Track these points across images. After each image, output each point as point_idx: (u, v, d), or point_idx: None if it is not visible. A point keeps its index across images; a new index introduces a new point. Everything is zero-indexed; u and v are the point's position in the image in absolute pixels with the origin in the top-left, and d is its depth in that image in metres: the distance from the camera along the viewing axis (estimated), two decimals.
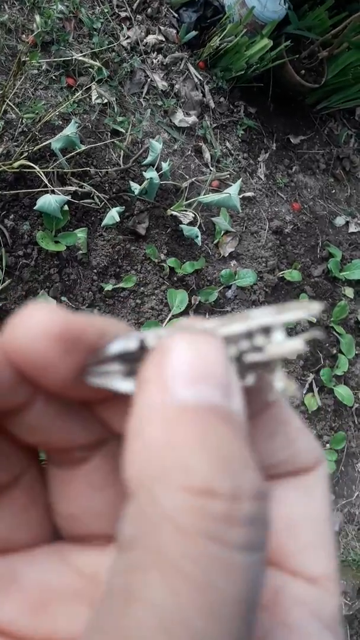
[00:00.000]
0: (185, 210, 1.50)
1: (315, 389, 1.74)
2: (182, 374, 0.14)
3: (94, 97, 1.42)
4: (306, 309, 0.17)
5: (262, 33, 1.65)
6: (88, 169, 1.38)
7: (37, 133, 1.31)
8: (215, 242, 1.63)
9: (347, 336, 1.82)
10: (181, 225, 1.48)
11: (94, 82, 1.42)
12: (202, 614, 0.11)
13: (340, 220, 1.91)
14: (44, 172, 1.27)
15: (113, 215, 1.36)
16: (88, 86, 1.44)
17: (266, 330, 0.16)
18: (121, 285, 1.42)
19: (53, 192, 1.27)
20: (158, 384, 0.14)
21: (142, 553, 0.12)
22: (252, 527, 0.13)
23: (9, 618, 0.17)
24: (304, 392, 1.73)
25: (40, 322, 0.15)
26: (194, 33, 1.63)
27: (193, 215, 1.48)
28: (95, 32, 1.45)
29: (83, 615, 0.17)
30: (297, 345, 0.16)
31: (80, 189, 1.34)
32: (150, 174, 1.40)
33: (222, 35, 1.65)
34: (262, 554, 0.13)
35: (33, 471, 0.19)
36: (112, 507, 0.19)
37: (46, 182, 1.26)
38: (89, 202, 1.34)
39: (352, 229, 1.92)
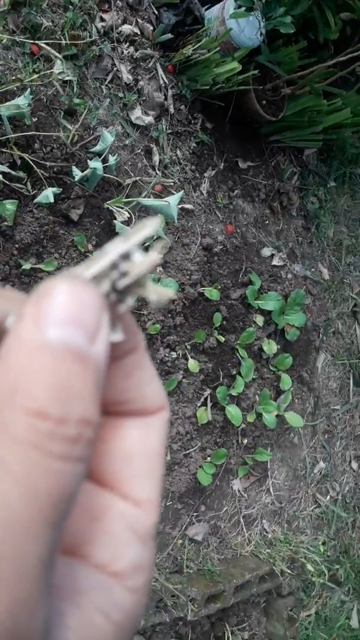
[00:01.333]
0: (122, 208, 1.50)
1: (209, 404, 1.81)
2: (54, 315, 0.17)
3: (55, 71, 1.39)
4: (149, 227, 0.20)
5: (233, 56, 1.69)
6: (33, 142, 1.34)
7: None
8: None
9: (248, 360, 1.90)
10: (115, 222, 1.48)
11: (59, 57, 1.38)
12: (21, 498, 0.15)
13: (266, 251, 1.99)
14: None
15: (48, 194, 1.33)
16: (52, 62, 1.40)
17: (127, 256, 0.19)
18: (41, 266, 1.39)
19: None
20: (31, 320, 0.17)
21: None
22: (73, 445, 0.16)
23: None
24: (198, 405, 1.79)
25: None
26: (169, 36, 1.64)
27: (129, 215, 1.48)
28: (70, 6, 1.41)
29: None
30: (153, 257, 0.19)
31: (19, 160, 1.30)
32: (95, 164, 1.38)
33: (196, 46, 1.66)
34: (80, 466, 0.16)
35: None
36: None
37: None
38: (24, 176, 1.30)
39: (276, 261, 2.01)
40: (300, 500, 2.07)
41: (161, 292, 0.19)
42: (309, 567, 1.97)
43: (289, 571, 1.89)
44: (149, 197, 1.63)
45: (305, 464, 2.09)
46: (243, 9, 1.52)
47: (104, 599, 0.19)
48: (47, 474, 0.15)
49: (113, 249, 0.19)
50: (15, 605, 0.15)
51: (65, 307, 0.17)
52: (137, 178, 1.60)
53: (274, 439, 2.00)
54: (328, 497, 2.16)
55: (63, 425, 0.16)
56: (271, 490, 1.97)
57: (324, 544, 2.09)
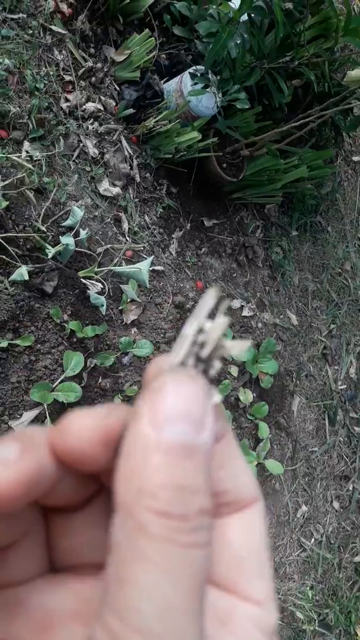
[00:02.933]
0: (93, 277, 1.54)
1: None
2: (167, 413, 0.19)
3: (24, 154, 1.44)
4: (209, 298, 0.22)
5: (193, 125, 1.78)
6: (6, 222, 1.38)
7: None
8: (120, 308, 1.69)
9: (226, 412, 1.94)
10: (89, 292, 1.52)
11: (27, 139, 1.44)
12: (171, 586, 0.17)
13: (236, 303, 2.06)
14: None
15: (22, 272, 1.37)
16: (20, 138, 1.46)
17: (201, 330, 0.22)
18: (17, 342, 1.41)
19: None
20: (147, 419, 0.19)
21: (126, 552, 0.18)
22: (197, 534, 0.18)
23: (16, 637, 0.22)
24: None
25: (86, 428, 0.21)
26: (131, 110, 1.72)
27: (102, 286, 1.53)
28: (37, 93, 1.48)
29: (80, 633, 0.22)
30: (222, 321, 0.22)
31: None
32: (67, 240, 1.43)
33: (157, 118, 1.75)
34: (206, 550, 0.19)
35: (38, 522, 0.24)
36: (103, 540, 0.24)
37: None
38: None
39: (245, 312, 2.08)
40: (286, 546, 2.09)
41: (240, 346, 0.22)
42: (299, 614, 1.98)
43: (279, 622, 1.89)
44: (121, 263, 1.68)
45: (288, 509, 2.12)
46: (200, 86, 1.62)
47: None
48: (184, 561, 0.18)
49: (189, 330, 0.22)
50: None
51: (176, 405, 0.19)
52: (109, 246, 1.65)
53: None
54: (312, 540, 2.18)
55: (185, 521, 0.18)
56: None
57: (311, 588, 2.11)
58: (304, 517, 2.16)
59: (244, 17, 1.71)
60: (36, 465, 0.20)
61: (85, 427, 0.21)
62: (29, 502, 0.21)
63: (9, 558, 0.23)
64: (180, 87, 1.80)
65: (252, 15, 1.71)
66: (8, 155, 1.31)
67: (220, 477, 0.23)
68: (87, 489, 0.24)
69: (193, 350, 0.22)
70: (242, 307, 2.09)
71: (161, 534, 0.18)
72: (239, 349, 0.22)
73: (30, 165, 1.36)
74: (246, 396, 2.03)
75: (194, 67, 1.73)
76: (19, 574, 0.23)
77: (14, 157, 1.29)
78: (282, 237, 2.31)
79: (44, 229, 1.45)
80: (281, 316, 2.25)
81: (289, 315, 2.29)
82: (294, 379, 2.26)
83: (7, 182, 1.32)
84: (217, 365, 0.22)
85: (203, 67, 1.71)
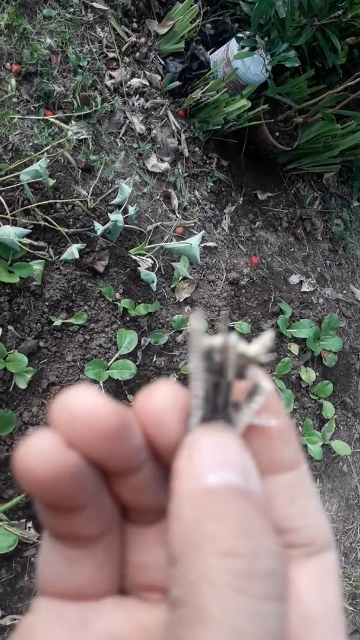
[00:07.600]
0: (144, 254, 1.52)
1: None
2: (207, 464, 0.18)
3: (69, 133, 1.44)
4: (197, 327, 0.20)
5: (242, 93, 1.71)
6: (54, 201, 1.39)
7: (7, 161, 1.31)
8: (173, 286, 1.66)
9: (287, 391, 1.87)
10: (139, 269, 1.51)
11: (72, 118, 1.44)
12: None
13: (294, 279, 1.98)
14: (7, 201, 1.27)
15: (73, 251, 1.37)
16: (66, 116, 1.46)
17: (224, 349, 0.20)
18: (71, 320, 1.42)
19: (15, 223, 1.27)
20: (189, 473, 0.18)
21: (187, 610, 0.15)
22: (271, 580, 0.16)
23: None
24: None
25: (171, 396, 0.20)
26: (177, 83, 1.68)
27: (152, 262, 1.50)
28: (80, 70, 1.47)
29: None
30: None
31: (43, 223, 1.35)
32: (116, 217, 1.42)
33: (204, 89, 1.70)
34: (282, 604, 0.16)
35: (114, 531, 0.22)
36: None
37: (8, 211, 1.26)
38: (45, 245, 1.35)
39: (305, 288, 1.99)
40: (356, 531, 1.99)
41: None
42: None
43: (351, 608, 1.81)
44: (171, 240, 1.65)
45: (357, 493, 2.02)
46: (246, 49, 1.55)
47: None
48: (252, 617, 0.15)
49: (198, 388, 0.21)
50: None
51: (212, 454, 0.18)
52: (158, 223, 1.63)
53: (322, 470, 1.94)
54: None
55: (257, 559, 0.15)
56: None
57: None
58: None
59: None
60: (127, 415, 0.19)
61: (169, 391, 0.20)
62: (116, 459, 0.19)
63: (83, 560, 0.20)
64: (226, 55, 1.74)
65: None
66: (60, 124, 1.31)
67: (289, 513, 0.20)
68: (164, 496, 0.21)
69: (217, 400, 0.20)
70: (301, 282, 2.00)
71: (226, 582, 0.15)
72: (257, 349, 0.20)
73: (75, 139, 1.35)
74: (308, 375, 1.95)
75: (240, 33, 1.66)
76: (87, 586, 0.21)
77: (62, 124, 1.28)
78: (343, 208, 2.19)
79: (92, 206, 1.44)
80: (344, 291, 2.14)
81: (352, 290, 2.17)
82: None
83: (53, 156, 1.32)
84: (252, 373, 0.21)
85: (250, 32, 1.63)
